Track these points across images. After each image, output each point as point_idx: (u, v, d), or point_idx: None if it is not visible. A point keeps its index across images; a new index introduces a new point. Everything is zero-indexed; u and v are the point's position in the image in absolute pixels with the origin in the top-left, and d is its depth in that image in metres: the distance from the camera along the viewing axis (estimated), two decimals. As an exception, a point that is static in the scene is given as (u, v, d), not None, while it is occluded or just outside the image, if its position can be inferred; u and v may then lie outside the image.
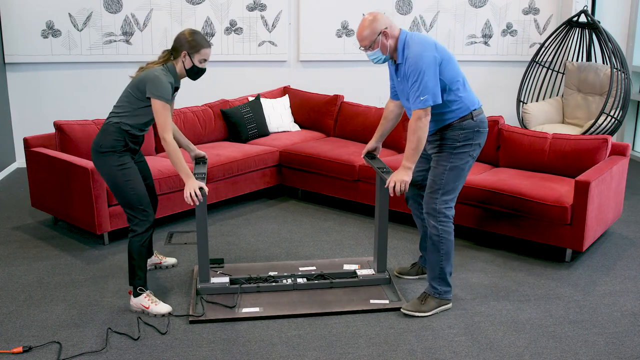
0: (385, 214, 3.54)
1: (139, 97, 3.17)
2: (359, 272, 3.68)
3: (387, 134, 3.62)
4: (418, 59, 3.04)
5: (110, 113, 3.26)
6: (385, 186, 3.22)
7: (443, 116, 3.19)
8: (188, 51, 3.18)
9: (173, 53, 3.24)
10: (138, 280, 3.28)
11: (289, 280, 3.57)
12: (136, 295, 3.29)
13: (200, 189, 3.14)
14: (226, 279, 3.54)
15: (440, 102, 3.08)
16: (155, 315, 3.25)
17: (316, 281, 3.55)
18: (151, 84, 3.11)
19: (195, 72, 3.25)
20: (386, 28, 3.13)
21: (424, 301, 3.31)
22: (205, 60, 3.23)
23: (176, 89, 3.29)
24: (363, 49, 3.19)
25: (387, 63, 3.30)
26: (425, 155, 3.43)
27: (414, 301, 3.33)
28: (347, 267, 3.80)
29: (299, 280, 3.57)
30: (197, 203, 3.13)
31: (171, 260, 3.88)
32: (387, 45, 3.14)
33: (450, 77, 3.14)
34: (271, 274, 3.66)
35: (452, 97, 3.16)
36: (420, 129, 3.07)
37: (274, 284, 3.52)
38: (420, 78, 3.03)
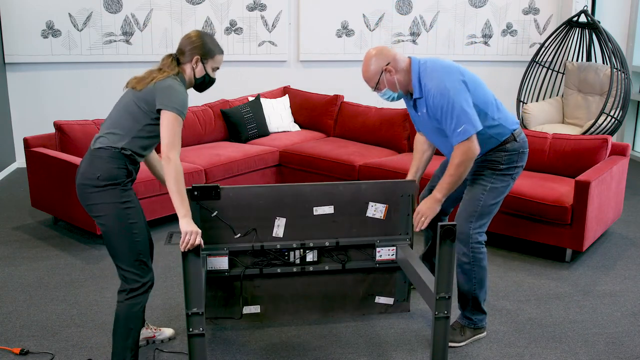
0: None
1: (146, 110, 2.54)
2: (378, 253, 3.17)
3: (424, 167, 3.21)
4: (443, 88, 2.71)
5: (103, 136, 2.57)
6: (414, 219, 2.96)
7: (483, 145, 2.85)
8: (201, 56, 2.63)
9: (179, 58, 2.66)
10: None
11: (297, 259, 3.11)
12: None
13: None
14: (225, 263, 3.05)
15: (481, 127, 2.76)
16: None
17: (327, 267, 3.16)
18: (164, 93, 2.51)
19: (206, 83, 2.71)
20: (388, 64, 2.78)
21: (460, 330, 3.04)
22: (217, 68, 2.71)
23: None
24: (371, 89, 2.89)
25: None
26: None
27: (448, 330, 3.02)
28: (372, 211, 3.14)
29: (309, 256, 3.12)
30: (185, 249, 2.50)
31: (168, 332, 3.06)
32: (394, 81, 2.81)
33: (482, 100, 2.82)
34: (276, 226, 3.08)
35: (488, 122, 2.83)
36: (464, 164, 2.76)
37: (278, 270, 3.12)
38: (451, 108, 2.69)
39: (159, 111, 2.51)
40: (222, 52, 2.71)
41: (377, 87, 2.85)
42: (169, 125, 2.47)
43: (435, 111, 2.76)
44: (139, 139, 2.56)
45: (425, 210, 2.91)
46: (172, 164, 2.44)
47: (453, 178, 2.80)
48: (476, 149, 2.75)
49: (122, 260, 2.55)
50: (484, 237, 2.96)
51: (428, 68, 2.79)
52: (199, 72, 2.66)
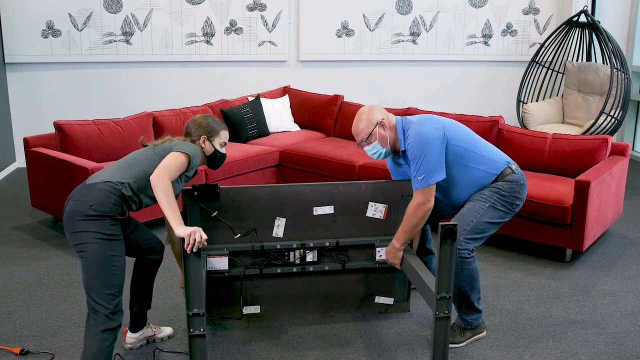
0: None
1: (162, 157, 2.63)
2: (378, 253, 3.19)
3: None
4: (417, 137, 2.85)
5: (109, 176, 2.58)
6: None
7: (480, 181, 2.97)
8: (207, 134, 2.78)
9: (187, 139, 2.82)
10: None
11: (297, 259, 3.11)
12: None
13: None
14: (225, 263, 3.04)
15: (444, 177, 2.87)
16: None
17: (327, 267, 3.16)
18: (180, 144, 2.67)
19: (218, 158, 2.84)
20: (383, 119, 2.94)
21: (460, 331, 3.06)
22: (225, 143, 2.85)
23: (195, 171, 2.84)
24: (360, 144, 3.00)
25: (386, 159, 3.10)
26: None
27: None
28: (372, 211, 3.16)
29: (308, 257, 3.13)
30: (194, 250, 2.42)
31: (167, 331, 3.10)
32: (386, 136, 2.95)
33: (465, 141, 2.95)
34: (276, 226, 3.08)
35: (478, 160, 2.95)
36: (417, 216, 2.88)
37: (278, 270, 3.12)
38: (421, 156, 2.82)
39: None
40: (226, 129, 2.86)
41: (367, 140, 2.95)
42: (176, 157, 2.57)
43: (410, 157, 2.89)
44: (145, 178, 2.57)
45: (389, 258, 3.06)
46: (162, 179, 2.47)
47: (409, 227, 2.92)
48: (430, 202, 2.87)
49: (96, 291, 2.44)
50: (470, 246, 2.94)
51: (409, 121, 2.95)
52: (208, 149, 2.80)
